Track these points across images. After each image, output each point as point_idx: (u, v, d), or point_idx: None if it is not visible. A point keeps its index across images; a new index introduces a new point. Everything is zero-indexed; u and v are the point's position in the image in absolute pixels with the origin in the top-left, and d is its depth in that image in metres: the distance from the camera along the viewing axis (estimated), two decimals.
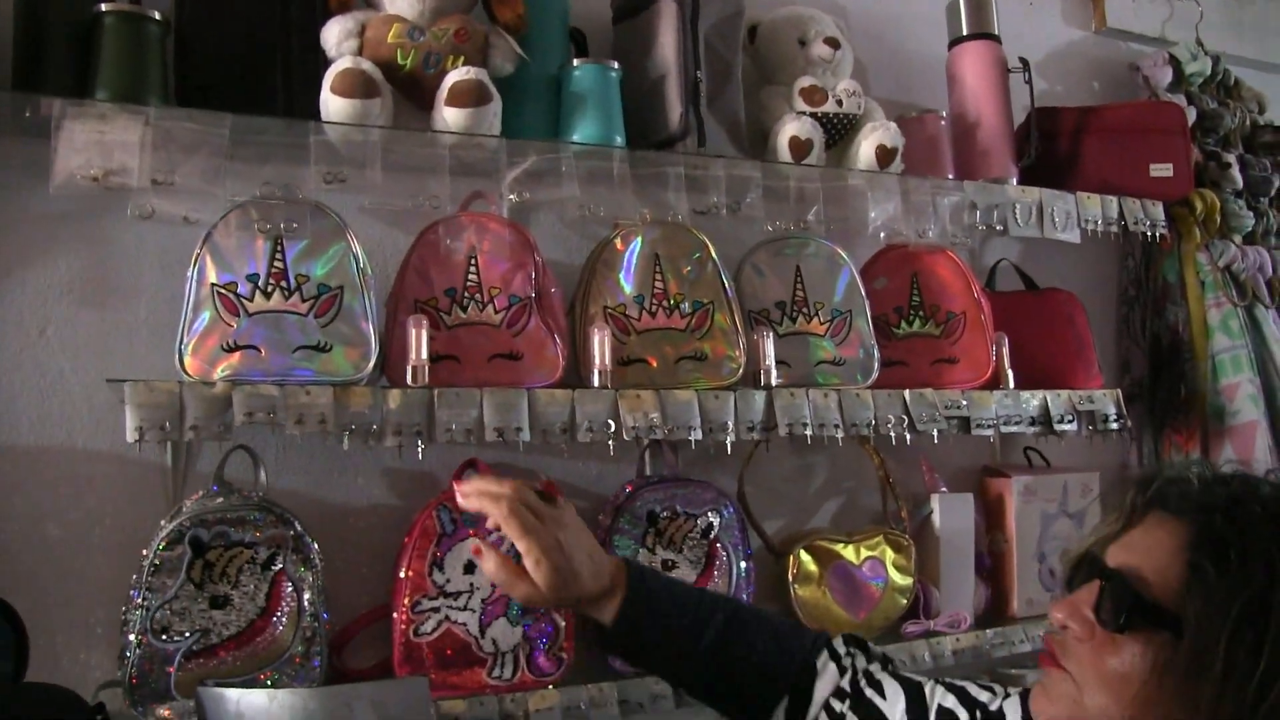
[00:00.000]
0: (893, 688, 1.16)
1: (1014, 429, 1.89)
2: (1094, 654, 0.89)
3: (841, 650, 1.21)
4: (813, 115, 1.85)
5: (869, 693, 1.16)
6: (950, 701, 1.12)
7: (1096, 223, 2.09)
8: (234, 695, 1.22)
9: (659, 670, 1.26)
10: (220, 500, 1.45)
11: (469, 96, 1.52)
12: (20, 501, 1.49)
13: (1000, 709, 1.09)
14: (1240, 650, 0.81)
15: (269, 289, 1.44)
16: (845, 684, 1.17)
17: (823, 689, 1.18)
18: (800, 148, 1.82)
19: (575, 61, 1.69)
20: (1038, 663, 1.01)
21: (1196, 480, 0.92)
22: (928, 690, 1.14)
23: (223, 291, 1.42)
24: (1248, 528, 0.85)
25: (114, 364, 1.53)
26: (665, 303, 1.69)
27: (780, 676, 1.19)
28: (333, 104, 1.49)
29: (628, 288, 1.68)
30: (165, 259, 1.57)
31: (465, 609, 1.54)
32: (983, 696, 1.12)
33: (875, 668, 1.20)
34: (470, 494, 1.17)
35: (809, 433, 1.67)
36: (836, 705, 1.16)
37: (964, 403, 1.84)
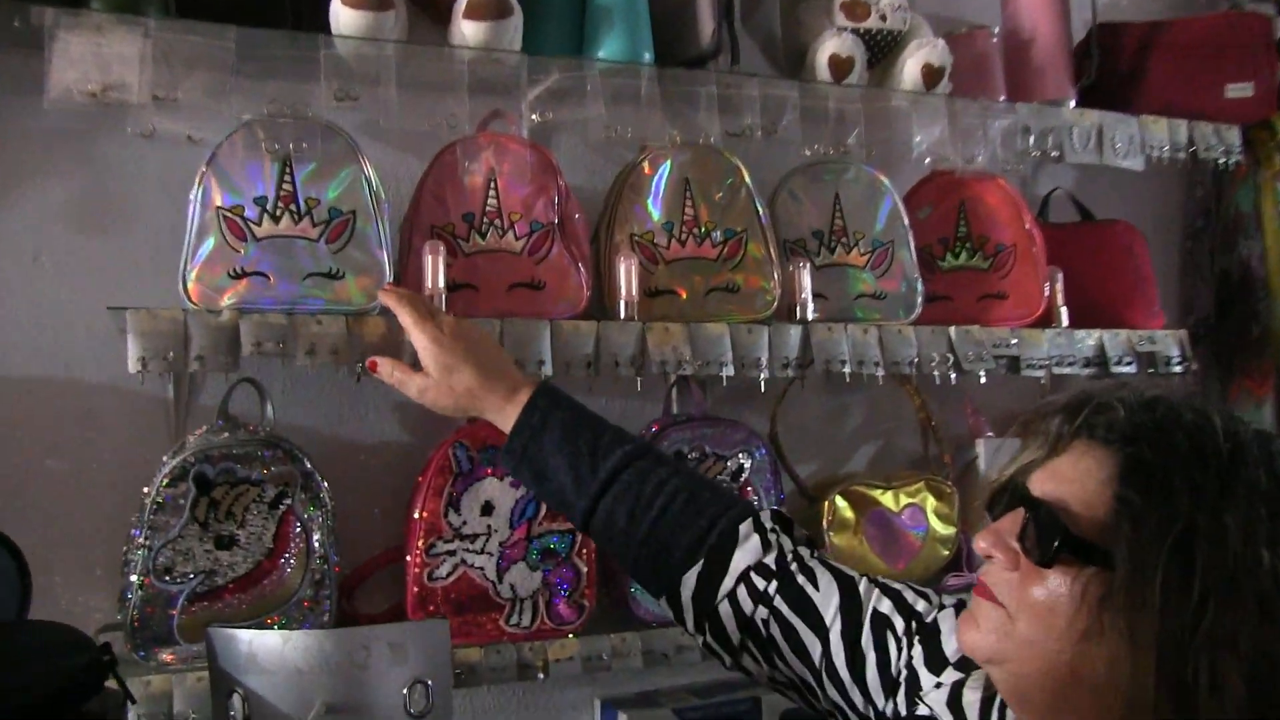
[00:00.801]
0: (826, 578, 1.16)
1: (1067, 370, 1.91)
2: (1021, 585, 0.90)
3: (768, 524, 1.20)
4: (854, 31, 1.84)
5: (800, 579, 1.15)
6: (886, 606, 1.12)
7: (1162, 148, 2.09)
8: (246, 636, 1.27)
9: (558, 505, 1.29)
10: (226, 435, 1.49)
11: (489, 9, 1.54)
12: (17, 435, 1.54)
13: (935, 621, 1.10)
14: (1173, 580, 0.83)
15: (277, 213, 1.47)
16: (771, 561, 1.16)
17: (742, 558, 1.17)
18: (841, 66, 1.82)
19: None
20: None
21: (1122, 407, 0.91)
22: (862, 589, 1.14)
23: (229, 215, 1.45)
24: (1172, 456, 0.87)
25: (113, 291, 1.55)
26: (695, 231, 1.71)
27: (692, 534, 1.19)
28: (344, 16, 1.50)
29: (656, 214, 1.70)
30: (167, 181, 1.60)
31: (482, 552, 1.58)
32: (919, 605, 1.12)
33: (805, 552, 1.19)
34: (386, 295, 1.39)
35: (847, 370, 1.70)
36: (759, 581, 1.16)
37: (1013, 341, 1.86)
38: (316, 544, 1.51)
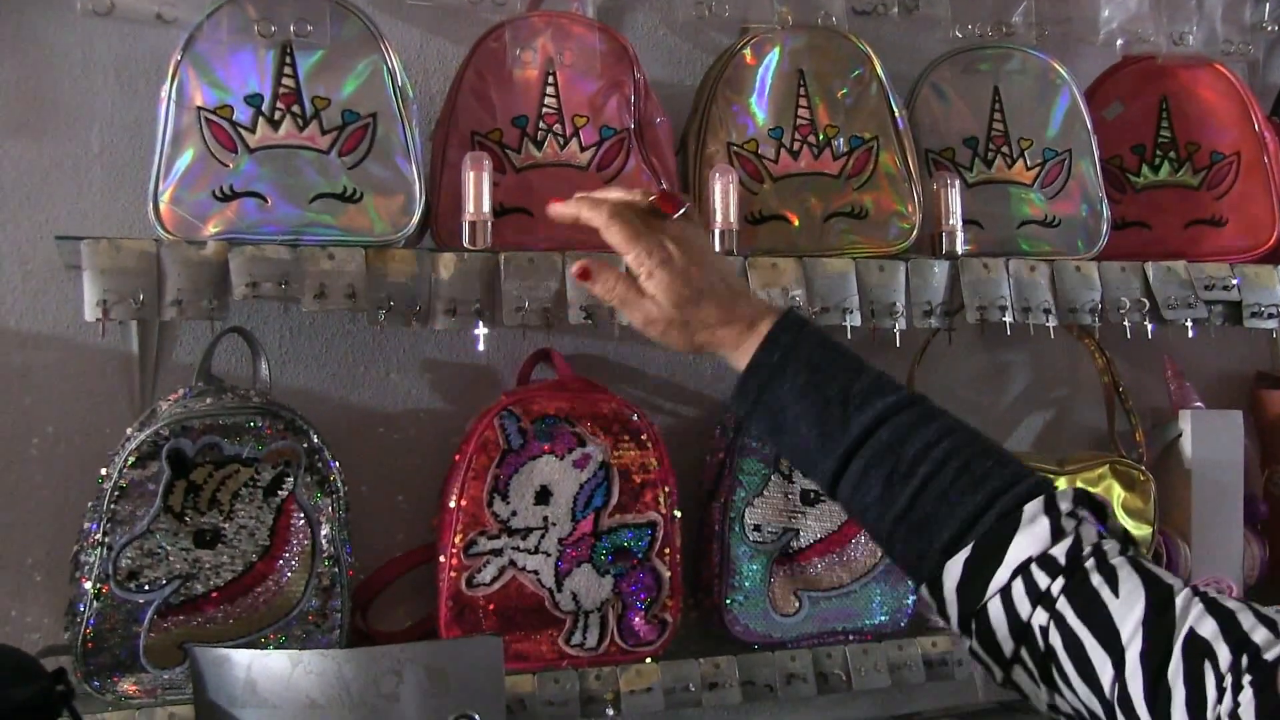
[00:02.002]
0: (1131, 583, 1.08)
1: None
2: None
3: (1065, 507, 1.13)
4: None
5: (1096, 579, 1.09)
6: (1209, 629, 1.03)
7: None
8: (243, 658, 1.28)
9: (800, 464, 1.28)
10: (209, 401, 1.48)
11: None
12: None
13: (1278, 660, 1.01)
14: None
15: (276, 115, 1.47)
16: (1060, 554, 1.11)
17: (1022, 547, 1.12)
18: None
19: None
20: None
21: None
22: (1179, 602, 1.06)
23: (213, 117, 1.45)
24: None
25: (57, 215, 1.58)
26: (812, 138, 1.69)
27: (963, 512, 1.15)
28: None
29: (761, 117, 1.69)
30: (126, 72, 1.61)
31: (536, 551, 1.59)
32: (1258, 635, 1.04)
33: (1111, 546, 1.12)
34: (565, 205, 1.34)
35: (1008, 320, 1.68)
36: (1042, 578, 1.11)
37: (1234, 281, 1.81)
38: (325, 541, 1.51)
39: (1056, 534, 1.12)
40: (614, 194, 1.31)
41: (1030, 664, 1.12)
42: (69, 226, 1.48)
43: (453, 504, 1.57)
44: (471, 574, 1.57)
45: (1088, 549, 1.11)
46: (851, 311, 1.62)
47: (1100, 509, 1.17)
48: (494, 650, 1.30)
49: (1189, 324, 1.79)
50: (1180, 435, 1.98)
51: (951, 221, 1.72)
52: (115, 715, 1.41)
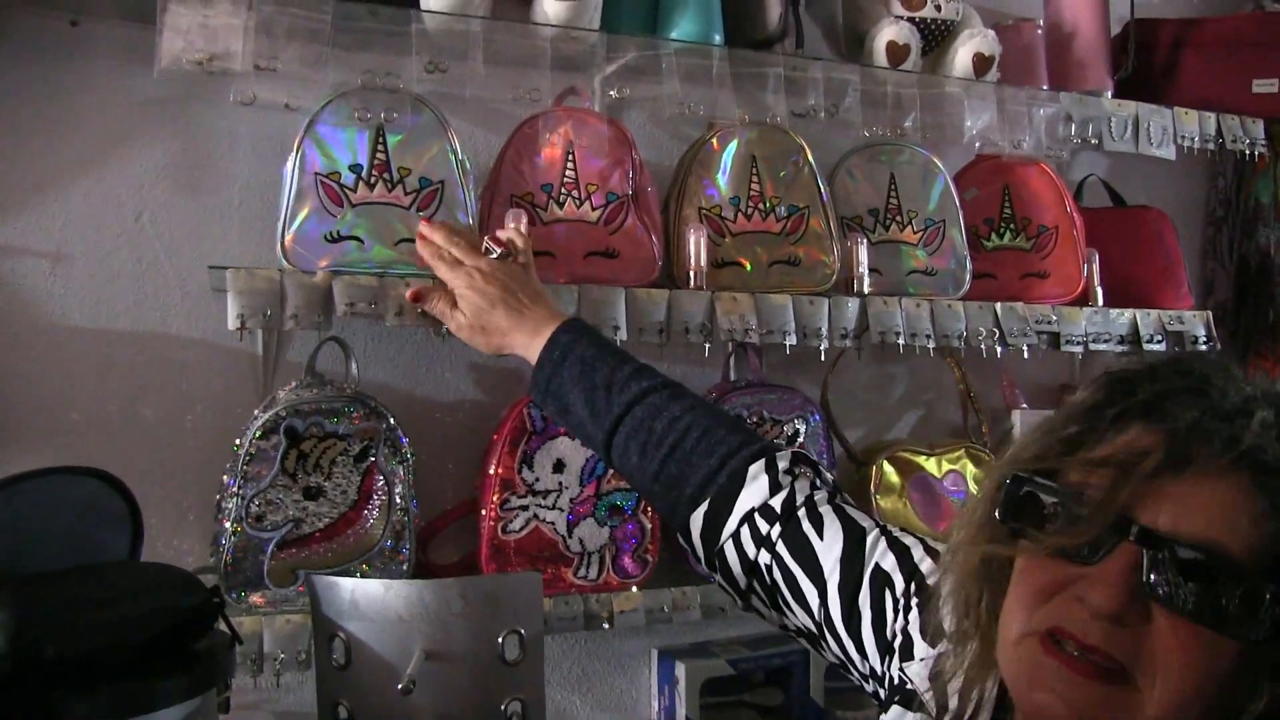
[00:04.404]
0: (834, 527, 1.03)
1: (1102, 347, 1.86)
2: (1177, 649, 0.68)
3: (782, 465, 1.08)
4: (910, 20, 1.79)
5: (806, 525, 1.04)
6: (889, 563, 0.98)
7: (1193, 139, 2.03)
8: (348, 584, 1.23)
9: (582, 438, 1.24)
10: (315, 391, 1.44)
11: None
12: (116, 382, 1.50)
13: (939, 585, 0.90)
14: None
15: (371, 180, 1.42)
16: (777, 504, 1.05)
17: (747, 499, 1.07)
18: (897, 53, 1.76)
19: None
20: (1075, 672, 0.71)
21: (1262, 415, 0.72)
22: (869, 541, 1.01)
23: (326, 181, 1.40)
24: None
25: (207, 250, 1.52)
26: (761, 206, 1.65)
27: (702, 472, 1.10)
28: None
29: (724, 189, 1.65)
30: (259, 145, 1.56)
31: (554, 508, 1.54)
32: (925, 564, 0.97)
33: (820, 497, 1.07)
34: (421, 245, 1.37)
35: (901, 342, 1.65)
36: (763, 524, 1.05)
37: (1054, 318, 1.81)
38: (398, 497, 1.47)
39: (774, 488, 1.07)
40: (462, 234, 1.37)
41: (761, 594, 1.08)
42: (215, 258, 1.44)
43: (492, 471, 1.53)
44: (505, 524, 1.52)
45: (800, 499, 1.06)
46: (789, 334, 1.58)
47: (815, 466, 1.12)
48: (535, 584, 1.25)
49: (1025, 348, 1.77)
50: (1013, 428, 1.96)
51: (860, 269, 1.69)
52: (248, 619, 1.36)
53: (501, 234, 1.38)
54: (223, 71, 1.38)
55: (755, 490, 1.07)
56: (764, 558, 1.06)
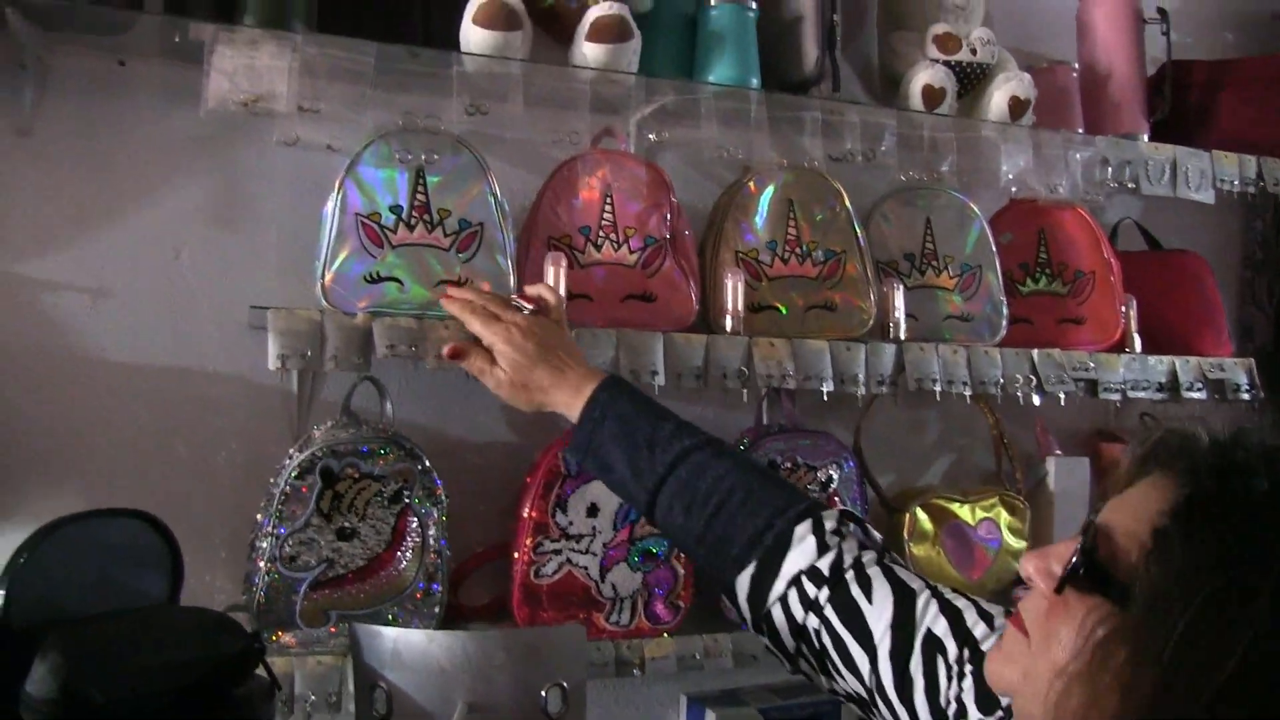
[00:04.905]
0: (883, 590, 1.03)
1: (1140, 394, 1.85)
2: (1045, 615, 0.78)
3: (829, 526, 1.08)
4: (946, 63, 1.80)
5: (855, 589, 1.03)
6: (941, 627, 0.99)
7: (1232, 182, 2.02)
8: (391, 634, 1.24)
9: (624, 497, 1.25)
10: (351, 431, 1.46)
11: (611, 32, 1.50)
12: (152, 417, 1.52)
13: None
14: (1197, 642, 0.67)
15: (412, 222, 1.44)
16: (825, 566, 1.05)
17: (794, 561, 1.06)
18: (933, 96, 1.78)
19: (712, 0, 1.65)
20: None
21: (1206, 437, 0.78)
22: (920, 604, 1.01)
23: (366, 221, 1.42)
24: (1239, 499, 0.72)
25: (245, 288, 1.54)
26: (798, 250, 1.67)
27: (747, 533, 1.09)
28: (474, 35, 1.47)
29: (761, 233, 1.66)
30: (298, 185, 1.57)
31: (587, 552, 1.55)
32: (978, 630, 0.98)
33: (869, 558, 1.06)
34: (450, 298, 1.37)
35: (938, 389, 1.66)
36: (811, 588, 1.05)
37: (1091, 365, 1.81)
38: (431, 539, 1.47)
39: (822, 549, 1.07)
40: (469, 291, 1.38)
41: (810, 658, 1.07)
42: (254, 297, 1.45)
43: (525, 514, 1.54)
44: (538, 567, 1.53)
45: (848, 561, 1.06)
46: (826, 380, 1.59)
47: (862, 525, 1.12)
48: (579, 637, 1.27)
49: (1062, 396, 1.77)
50: (1046, 475, 1.96)
51: (896, 315, 1.71)
52: (279, 660, 1.36)
53: (531, 290, 1.40)
54: (266, 112, 1.40)
55: (802, 552, 1.07)
56: (812, 622, 1.05)
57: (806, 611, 1.06)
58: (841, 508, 1.14)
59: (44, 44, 1.44)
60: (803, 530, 1.08)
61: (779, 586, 1.07)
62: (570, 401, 1.26)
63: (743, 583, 1.10)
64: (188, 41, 1.40)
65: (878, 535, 1.13)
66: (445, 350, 1.34)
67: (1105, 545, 0.76)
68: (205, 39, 1.38)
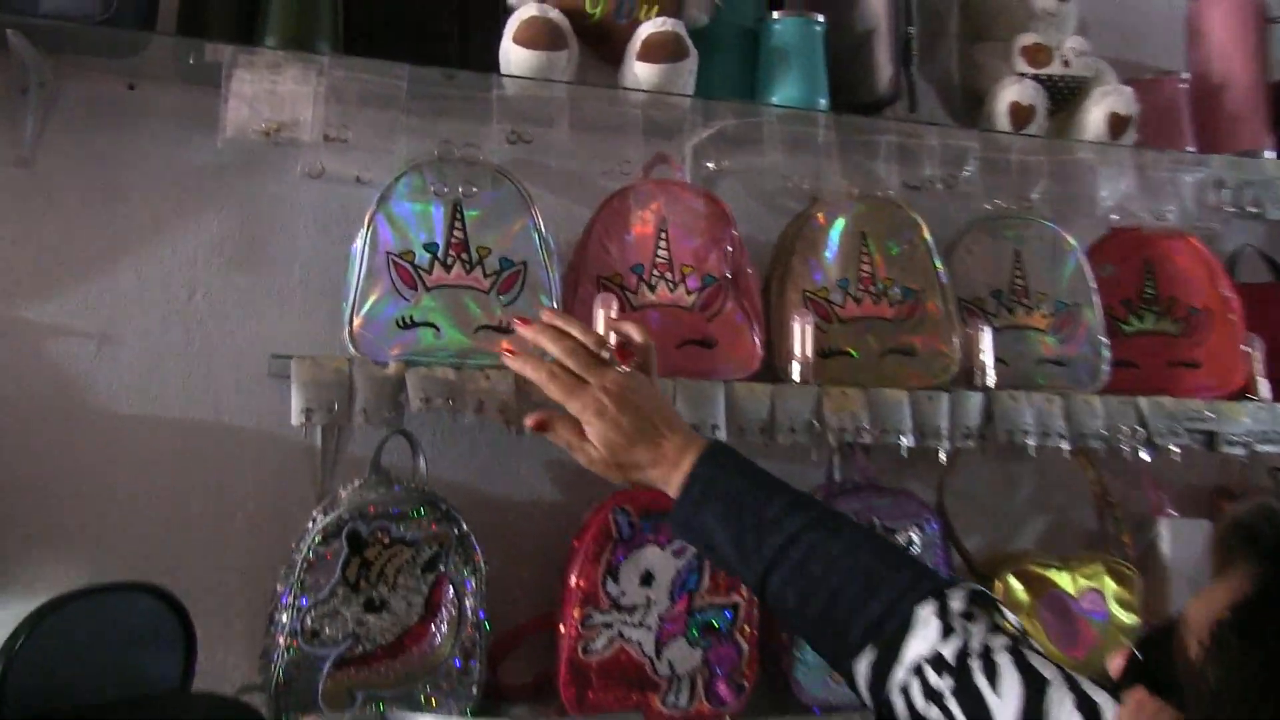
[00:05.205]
0: (1011, 679, 1.00)
1: (1270, 448, 1.81)
2: (1132, 713, 0.78)
3: (956, 607, 1.07)
4: (1035, 78, 1.80)
5: (980, 679, 1.01)
6: None
7: None
8: (424, 718, 1.23)
9: (725, 569, 1.24)
10: (381, 491, 1.46)
11: (665, 50, 1.51)
12: (162, 474, 1.53)
13: None
14: None
15: (449, 261, 1.46)
16: (950, 653, 1.04)
17: (916, 647, 1.05)
18: (1021, 114, 1.77)
19: (774, 14, 1.67)
20: None
21: None
22: (1051, 697, 0.98)
23: (399, 261, 1.44)
24: None
25: (265, 332, 1.56)
26: (872, 288, 1.67)
27: (866, 618, 1.09)
28: (515, 55, 1.49)
29: (831, 270, 1.66)
30: (324, 221, 1.60)
31: (640, 625, 1.54)
32: None
33: (999, 643, 1.04)
34: (515, 355, 1.30)
35: (1032, 443, 1.64)
36: (933, 677, 1.03)
37: (1209, 414, 1.78)
38: (469, 611, 1.47)
39: (946, 632, 1.05)
40: (575, 329, 1.28)
41: None
42: (274, 341, 1.48)
43: (572, 583, 1.53)
44: (586, 642, 1.52)
45: (975, 646, 1.04)
46: (906, 434, 1.58)
47: (992, 605, 1.10)
48: None
49: (1175, 449, 1.75)
50: (1158, 538, 1.92)
51: (983, 359, 1.69)
52: None
53: (618, 328, 1.36)
54: (290, 141, 1.44)
55: (925, 636, 1.06)
56: (934, 713, 1.04)
57: (928, 702, 1.04)
58: (972, 586, 1.12)
59: (48, 67, 1.46)
60: (926, 613, 1.07)
61: (900, 674, 1.07)
62: (668, 477, 1.24)
63: (862, 669, 1.09)
64: (204, 64, 1.42)
65: (1013, 617, 1.11)
66: (529, 421, 1.30)
67: (1176, 640, 0.76)
68: (223, 61, 1.41)
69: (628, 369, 1.27)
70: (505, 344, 1.32)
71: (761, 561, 1.15)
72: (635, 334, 1.34)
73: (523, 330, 1.30)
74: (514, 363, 1.29)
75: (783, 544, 1.15)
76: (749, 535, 1.16)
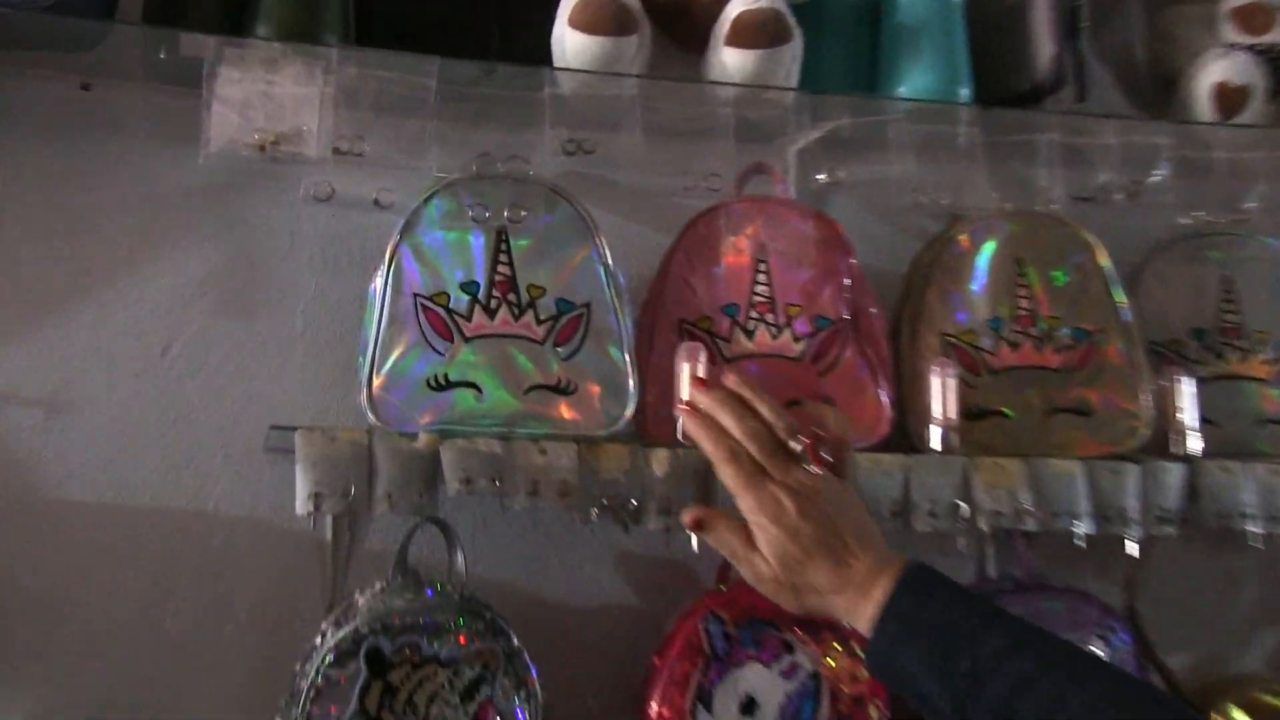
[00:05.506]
0: None
1: None
2: None
3: None
4: (1249, 49, 1.83)
5: None
6: None
7: None
8: None
9: (932, 717, 1.23)
10: (409, 597, 1.49)
11: (761, 34, 1.56)
12: (134, 578, 1.59)
13: None
14: None
15: (492, 304, 1.51)
16: None
17: None
18: (1230, 99, 1.80)
19: None
20: None
21: None
22: None
23: (429, 304, 1.50)
24: None
25: (259, 395, 1.63)
26: (1032, 329, 1.71)
27: None
28: (572, 43, 1.55)
29: (978, 306, 1.71)
30: (334, 255, 1.67)
31: None
32: None
33: None
34: (693, 422, 1.31)
35: (1254, 529, 1.66)
36: None
37: None
38: None
39: None
40: (764, 407, 1.30)
41: None
42: (271, 408, 1.55)
43: (654, 712, 1.57)
44: None
45: None
46: (1080, 518, 1.60)
47: None
48: None
49: None
50: None
51: (1184, 419, 1.71)
52: None
53: (822, 420, 1.37)
54: (290, 157, 1.49)
55: None
56: None
57: None
58: None
59: None
60: None
61: None
62: (857, 607, 1.25)
63: None
64: (180, 60, 1.48)
65: None
66: (686, 519, 1.34)
67: None
68: (205, 57, 1.47)
69: (818, 470, 1.29)
70: (683, 401, 1.37)
71: (982, 714, 1.16)
72: (830, 418, 1.37)
73: (699, 397, 1.34)
74: (693, 426, 1.32)
75: (1006, 695, 1.15)
76: (962, 681, 1.17)
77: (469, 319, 1.51)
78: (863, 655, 1.27)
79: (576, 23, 1.54)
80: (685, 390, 1.46)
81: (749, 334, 1.62)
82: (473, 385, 1.50)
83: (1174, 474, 1.67)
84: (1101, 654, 1.69)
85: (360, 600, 1.52)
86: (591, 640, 1.73)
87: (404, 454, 1.44)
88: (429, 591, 1.52)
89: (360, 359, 1.50)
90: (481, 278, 1.52)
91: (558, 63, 1.57)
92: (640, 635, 1.69)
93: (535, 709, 1.51)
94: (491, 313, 1.52)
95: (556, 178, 1.57)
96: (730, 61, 1.58)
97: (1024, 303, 1.72)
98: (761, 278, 1.64)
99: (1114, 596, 1.82)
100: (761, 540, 1.26)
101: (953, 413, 1.62)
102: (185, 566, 1.62)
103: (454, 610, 1.49)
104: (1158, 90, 1.90)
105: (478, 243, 1.53)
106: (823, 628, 1.59)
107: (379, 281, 1.51)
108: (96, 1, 1.47)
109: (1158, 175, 1.80)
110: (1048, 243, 1.75)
